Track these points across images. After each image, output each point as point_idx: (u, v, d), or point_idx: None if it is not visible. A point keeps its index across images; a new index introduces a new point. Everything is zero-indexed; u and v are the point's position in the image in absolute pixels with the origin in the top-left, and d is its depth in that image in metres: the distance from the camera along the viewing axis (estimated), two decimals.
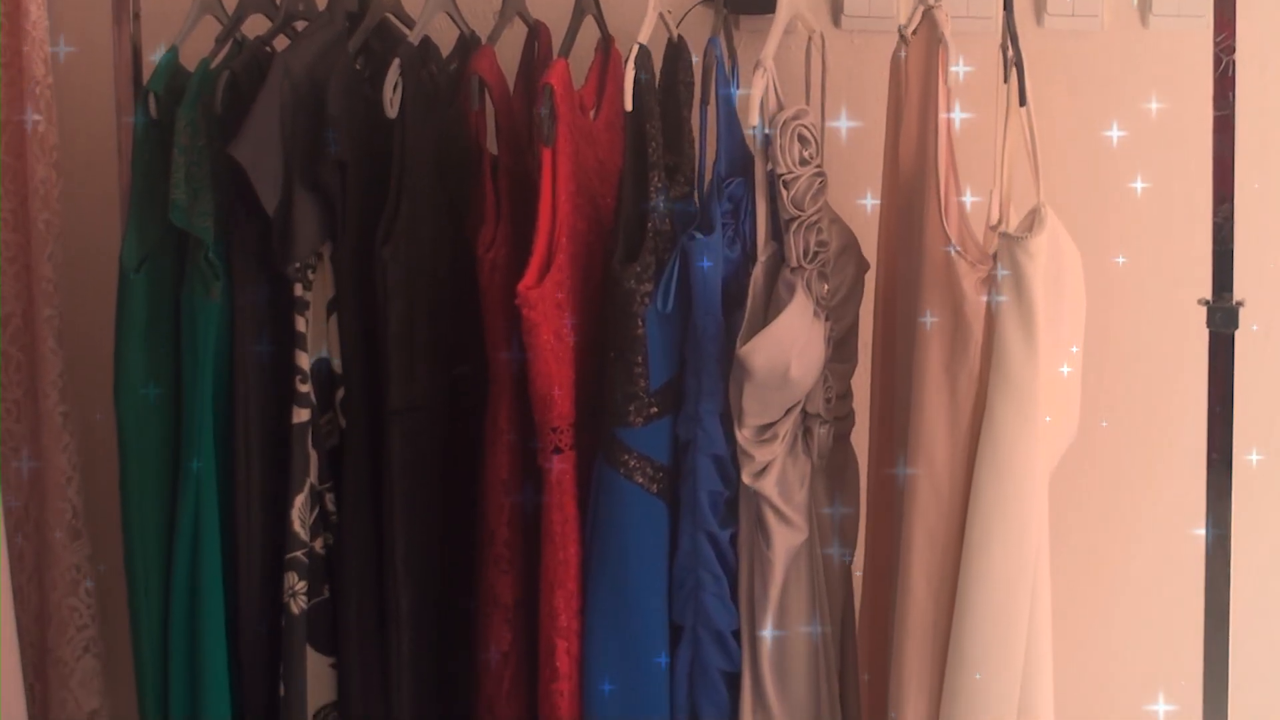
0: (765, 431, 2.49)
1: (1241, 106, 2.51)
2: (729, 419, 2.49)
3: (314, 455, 2.54)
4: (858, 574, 2.67)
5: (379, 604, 2.55)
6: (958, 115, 2.47)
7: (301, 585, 2.52)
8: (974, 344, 2.43)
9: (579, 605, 2.52)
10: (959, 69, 2.46)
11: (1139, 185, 2.86)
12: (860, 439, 2.66)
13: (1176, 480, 2.98)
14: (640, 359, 2.47)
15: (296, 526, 2.52)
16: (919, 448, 2.45)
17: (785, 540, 2.50)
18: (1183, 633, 2.91)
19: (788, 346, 2.44)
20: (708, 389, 2.49)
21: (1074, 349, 2.53)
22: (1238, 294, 2.52)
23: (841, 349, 2.58)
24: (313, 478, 2.54)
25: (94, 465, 2.71)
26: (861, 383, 2.65)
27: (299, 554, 2.52)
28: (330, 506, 2.56)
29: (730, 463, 2.50)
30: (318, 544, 2.55)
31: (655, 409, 2.49)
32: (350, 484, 2.55)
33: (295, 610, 2.52)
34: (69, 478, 2.65)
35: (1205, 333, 2.54)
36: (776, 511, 2.49)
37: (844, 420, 2.61)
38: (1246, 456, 2.57)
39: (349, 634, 2.56)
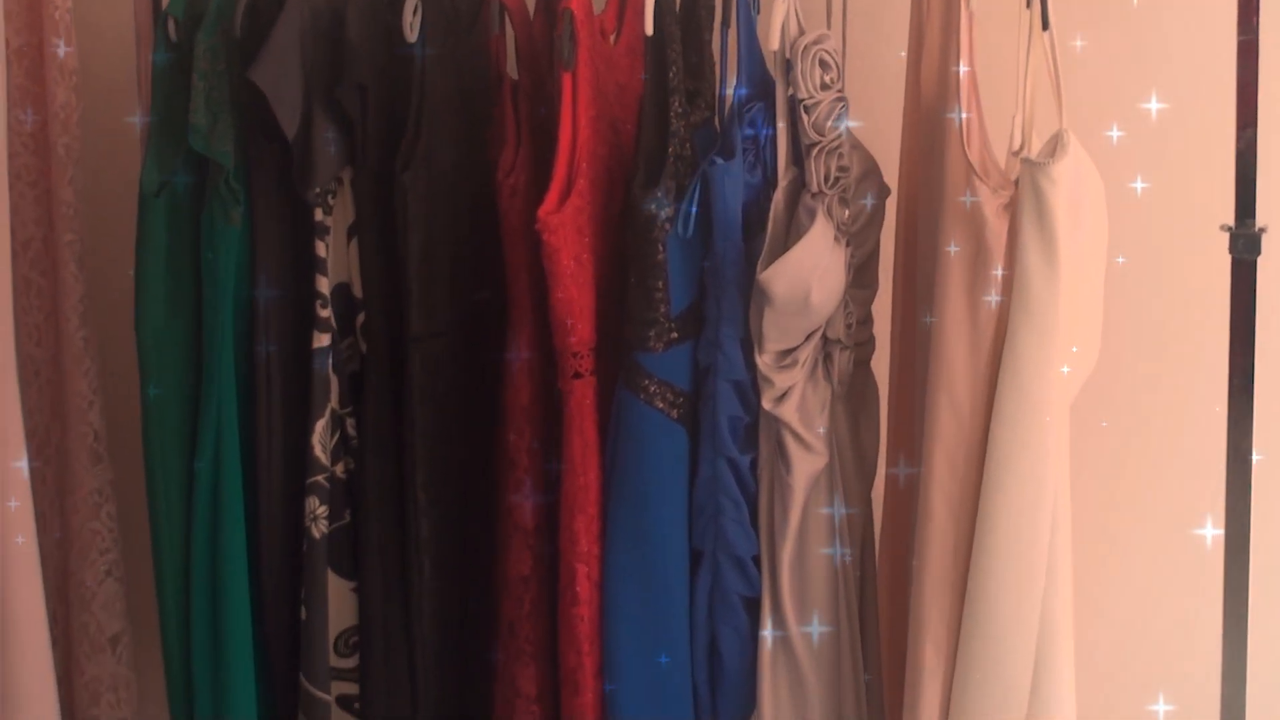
0: (785, 357, 2.49)
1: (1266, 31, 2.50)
2: (749, 344, 2.49)
3: (334, 380, 2.54)
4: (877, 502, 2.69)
5: (400, 528, 2.56)
6: (980, 39, 2.46)
7: (322, 510, 2.53)
8: (995, 270, 2.43)
9: (599, 530, 2.53)
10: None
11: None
12: (881, 365, 2.66)
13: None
14: (660, 284, 2.47)
15: (317, 451, 2.53)
16: (940, 373, 2.45)
17: (805, 466, 2.50)
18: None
19: (808, 272, 2.43)
20: (728, 314, 2.49)
21: (1097, 277, 2.53)
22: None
23: (862, 275, 2.57)
24: (333, 402, 2.54)
25: (115, 390, 2.72)
26: (882, 309, 2.64)
27: (320, 478, 2.53)
28: (351, 431, 2.57)
29: (751, 388, 2.50)
30: (339, 469, 2.56)
31: (676, 334, 2.50)
32: (371, 409, 2.55)
33: (316, 534, 2.53)
34: (90, 402, 2.65)
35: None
36: (797, 437, 2.49)
37: (864, 346, 2.61)
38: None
39: (370, 558, 2.57)
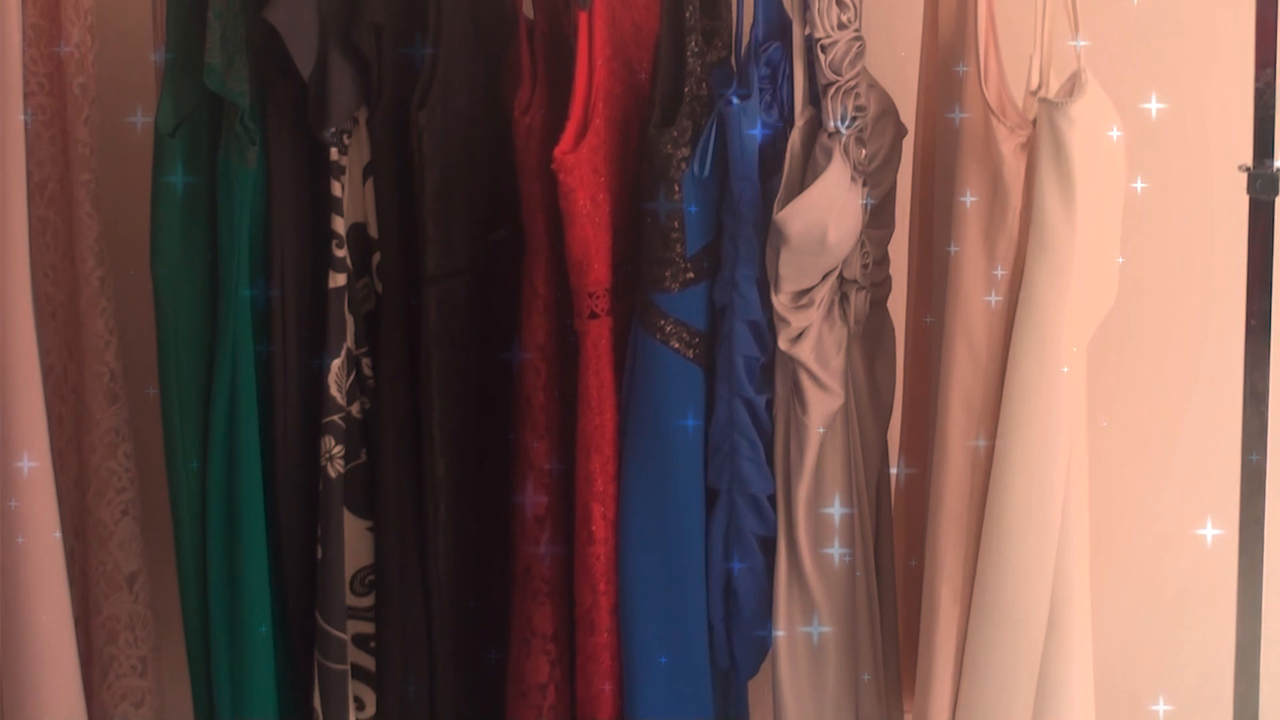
0: (802, 297, 2.48)
1: None
2: (766, 285, 2.48)
3: (350, 320, 2.54)
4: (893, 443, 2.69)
5: (416, 468, 2.56)
6: None
7: (338, 449, 2.54)
8: (1012, 210, 2.42)
9: (615, 470, 2.53)
10: None
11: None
12: (898, 305, 2.65)
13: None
14: (677, 224, 2.47)
15: (333, 391, 2.53)
16: (956, 314, 2.45)
17: (821, 405, 2.50)
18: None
19: (824, 212, 2.43)
20: (744, 255, 2.48)
21: (1114, 217, 2.52)
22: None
23: (879, 215, 2.57)
24: (349, 343, 2.54)
25: (131, 330, 2.72)
26: (899, 249, 2.64)
27: (336, 418, 2.53)
28: (367, 371, 2.57)
29: (767, 328, 2.50)
30: (354, 408, 2.56)
31: (692, 274, 2.49)
32: (387, 349, 2.56)
33: (332, 474, 2.54)
34: (106, 342, 2.65)
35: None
36: (813, 377, 2.49)
37: (881, 286, 2.61)
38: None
39: (386, 498, 2.57)
